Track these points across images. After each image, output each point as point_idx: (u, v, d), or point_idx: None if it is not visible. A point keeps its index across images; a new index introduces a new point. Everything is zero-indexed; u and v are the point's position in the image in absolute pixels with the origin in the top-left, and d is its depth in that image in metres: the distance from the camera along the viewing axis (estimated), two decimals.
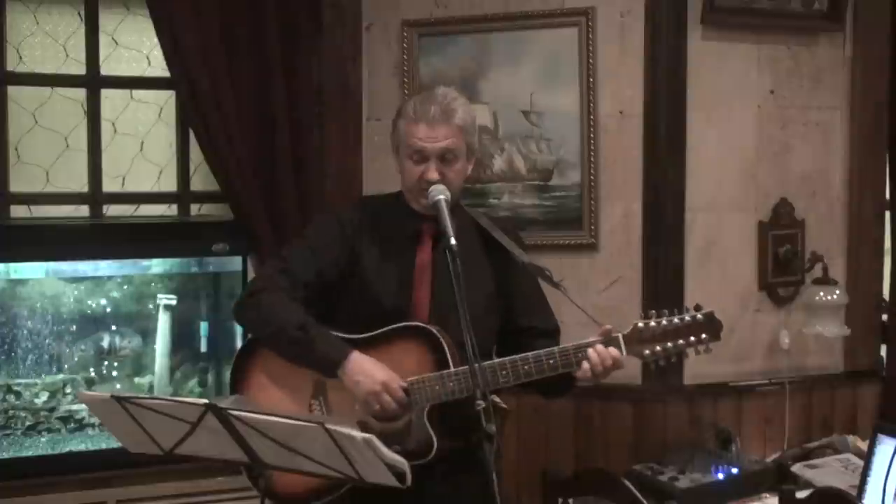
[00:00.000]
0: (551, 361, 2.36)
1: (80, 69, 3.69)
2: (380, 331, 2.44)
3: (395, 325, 2.43)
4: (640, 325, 2.38)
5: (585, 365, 2.34)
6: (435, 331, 2.40)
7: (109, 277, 3.59)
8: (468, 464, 2.39)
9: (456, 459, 2.42)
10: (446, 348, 2.37)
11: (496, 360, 2.37)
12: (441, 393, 2.36)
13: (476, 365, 2.18)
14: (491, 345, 2.49)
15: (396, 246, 2.52)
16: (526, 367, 2.36)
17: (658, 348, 2.36)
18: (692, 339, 2.36)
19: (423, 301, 2.47)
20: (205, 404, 1.99)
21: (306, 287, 2.49)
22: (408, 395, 2.37)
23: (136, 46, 3.83)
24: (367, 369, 2.36)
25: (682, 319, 2.37)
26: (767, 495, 3.14)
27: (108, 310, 3.59)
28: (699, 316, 2.37)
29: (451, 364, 2.37)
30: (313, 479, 2.34)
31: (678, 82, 3.42)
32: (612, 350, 2.34)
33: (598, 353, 2.34)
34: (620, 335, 2.37)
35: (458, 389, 2.35)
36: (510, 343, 2.52)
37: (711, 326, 2.37)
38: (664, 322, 2.37)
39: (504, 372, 2.36)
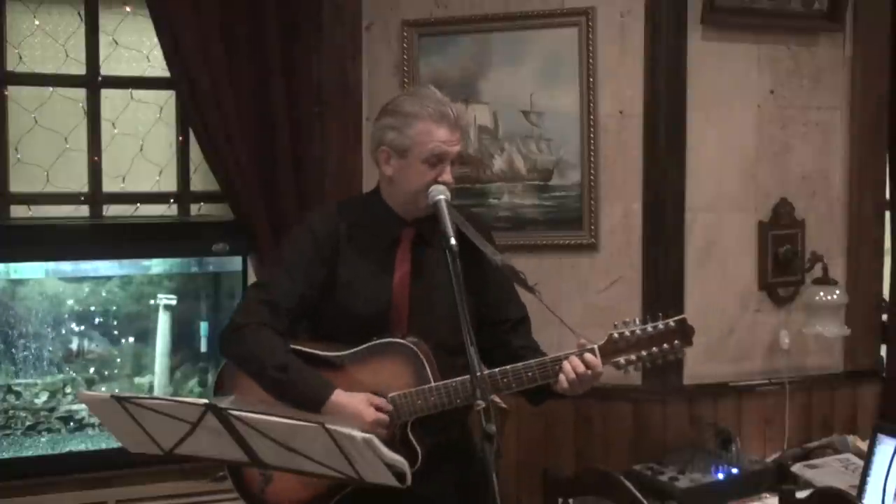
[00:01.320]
0: (529, 374, 2.38)
1: (80, 69, 3.69)
2: (359, 348, 2.43)
3: (373, 342, 2.42)
4: (615, 335, 2.41)
5: (561, 376, 2.36)
6: (413, 346, 2.40)
7: (109, 277, 3.59)
8: (465, 462, 2.40)
9: (451, 458, 2.43)
10: (425, 362, 2.38)
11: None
12: (424, 407, 2.37)
13: (476, 367, 2.18)
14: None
15: (375, 252, 2.49)
16: (505, 380, 2.37)
17: (633, 357, 2.41)
18: (665, 346, 2.42)
19: (401, 306, 2.46)
20: (205, 404, 1.99)
21: (290, 313, 2.47)
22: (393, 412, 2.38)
23: (136, 46, 3.83)
24: (352, 410, 2.34)
25: (654, 327, 2.42)
26: (767, 495, 3.14)
27: (108, 310, 3.59)
28: (671, 323, 2.42)
29: (431, 378, 2.38)
30: (305, 492, 2.36)
31: (678, 82, 3.42)
32: (587, 356, 2.36)
33: (571, 362, 2.36)
34: (596, 346, 2.39)
35: (440, 403, 2.37)
36: (489, 336, 2.51)
37: (683, 332, 2.44)
38: (638, 331, 2.42)
39: (480, 391, 2.36)
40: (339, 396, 2.36)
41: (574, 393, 2.39)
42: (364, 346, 2.43)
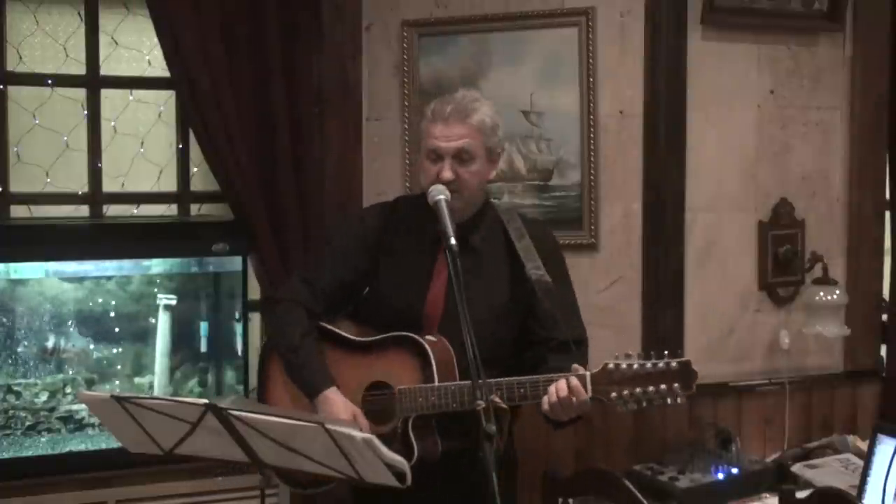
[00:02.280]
0: (521, 391, 2.36)
1: (80, 69, 3.69)
2: (377, 337, 2.48)
3: (391, 334, 2.46)
4: (611, 365, 2.31)
5: (545, 398, 2.32)
6: (426, 343, 2.41)
7: (109, 277, 3.59)
8: (469, 464, 2.40)
9: (455, 459, 2.43)
10: (433, 361, 2.40)
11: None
12: (424, 405, 2.40)
13: (477, 369, 2.18)
14: (503, 354, 2.48)
15: (418, 249, 2.54)
16: (499, 391, 2.35)
17: (626, 392, 2.29)
18: (663, 387, 2.29)
19: (436, 304, 2.49)
20: (205, 404, 2.00)
21: (328, 296, 2.55)
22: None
23: (136, 46, 3.82)
24: (334, 413, 2.41)
25: (654, 365, 2.30)
26: (767, 495, 3.14)
27: (108, 310, 3.59)
28: (674, 364, 2.31)
29: (435, 378, 2.39)
30: None
31: (678, 82, 3.42)
32: (572, 380, 2.30)
33: (557, 384, 2.31)
34: (588, 374, 2.32)
35: (439, 404, 2.39)
36: (532, 351, 2.53)
37: (685, 376, 2.31)
38: (635, 366, 2.30)
39: (479, 393, 2.36)
40: (329, 396, 2.43)
41: (557, 417, 2.35)
42: (384, 335, 2.47)
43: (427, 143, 2.47)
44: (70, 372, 3.53)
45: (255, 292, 3.70)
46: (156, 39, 3.48)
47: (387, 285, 2.53)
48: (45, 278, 3.51)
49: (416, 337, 2.43)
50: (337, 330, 2.56)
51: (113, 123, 3.78)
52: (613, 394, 2.30)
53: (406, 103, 3.55)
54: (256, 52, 3.50)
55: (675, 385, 2.29)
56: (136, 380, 3.63)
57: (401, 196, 2.76)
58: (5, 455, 3.42)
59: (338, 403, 2.43)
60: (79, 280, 3.55)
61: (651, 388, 2.29)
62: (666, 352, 2.33)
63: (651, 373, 2.30)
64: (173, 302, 3.63)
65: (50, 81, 3.68)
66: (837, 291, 3.52)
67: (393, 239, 2.55)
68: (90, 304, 3.56)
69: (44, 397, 3.49)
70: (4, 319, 3.45)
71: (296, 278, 2.64)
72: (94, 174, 3.69)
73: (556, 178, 3.49)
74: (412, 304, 2.49)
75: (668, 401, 2.31)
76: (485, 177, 2.52)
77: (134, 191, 3.83)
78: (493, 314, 2.43)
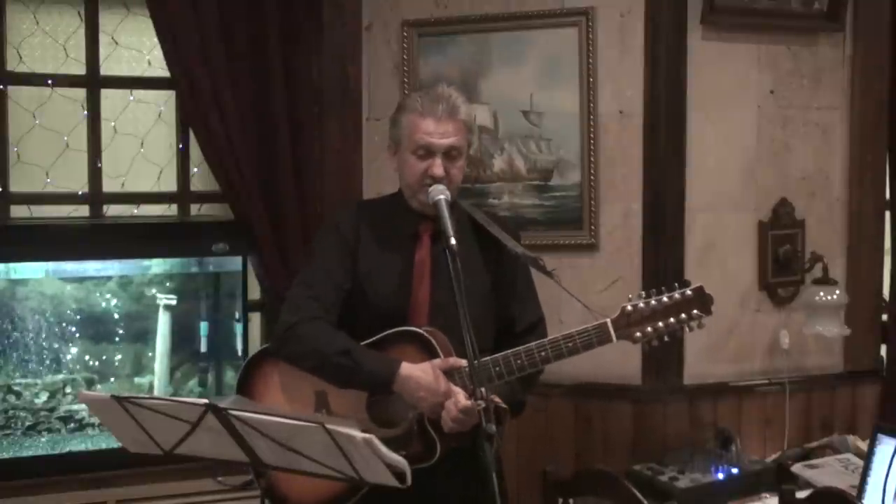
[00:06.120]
0: (542, 353, 2.38)
1: (80, 69, 3.70)
2: (375, 337, 2.45)
3: (389, 331, 2.44)
4: (629, 307, 2.35)
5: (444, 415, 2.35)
6: (426, 334, 2.41)
7: (109, 277, 3.59)
8: (473, 462, 2.40)
9: (459, 458, 2.43)
10: (439, 350, 2.39)
11: (489, 358, 2.38)
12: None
13: (476, 363, 2.18)
14: (489, 343, 2.49)
15: (395, 246, 2.53)
16: (518, 361, 2.37)
17: (649, 329, 2.34)
18: (683, 315, 2.34)
19: (422, 300, 2.48)
20: (205, 404, 2.00)
21: (337, 306, 2.49)
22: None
23: (136, 46, 3.83)
24: (425, 383, 2.35)
25: (670, 297, 2.35)
26: (767, 495, 3.14)
27: (108, 310, 3.59)
28: (688, 292, 2.35)
29: None
30: (323, 490, 2.36)
31: (678, 82, 3.42)
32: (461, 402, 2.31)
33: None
34: (609, 320, 2.36)
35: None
36: (499, 335, 2.54)
37: (702, 301, 2.35)
38: (653, 302, 2.35)
39: (497, 368, 2.38)
40: (407, 371, 2.36)
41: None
42: (380, 335, 2.45)
43: (416, 138, 2.44)
44: (70, 372, 3.53)
45: (254, 292, 3.70)
46: (156, 39, 3.49)
47: (369, 287, 2.50)
48: (45, 278, 3.51)
49: (415, 329, 2.42)
50: None
51: (113, 123, 3.79)
52: (637, 333, 2.35)
53: None
54: (256, 51, 3.51)
55: (694, 311, 2.34)
56: (136, 380, 3.63)
57: (360, 201, 2.76)
58: (5, 455, 3.42)
59: (417, 375, 2.35)
60: (79, 280, 3.55)
61: (672, 320, 2.34)
62: (676, 283, 2.38)
63: (669, 305, 2.34)
64: (173, 302, 3.63)
65: (50, 81, 3.69)
66: (837, 291, 3.52)
67: (367, 240, 2.54)
68: (90, 304, 3.56)
69: (44, 397, 3.50)
70: (5, 319, 3.45)
71: (298, 299, 2.51)
72: (94, 174, 3.69)
73: (556, 178, 3.49)
74: (398, 302, 2.48)
75: (691, 327, 2.36)
76: (463, 172, 2.54)
77: (134, 191, 3.83)
78: (480, 304, 2.43)
